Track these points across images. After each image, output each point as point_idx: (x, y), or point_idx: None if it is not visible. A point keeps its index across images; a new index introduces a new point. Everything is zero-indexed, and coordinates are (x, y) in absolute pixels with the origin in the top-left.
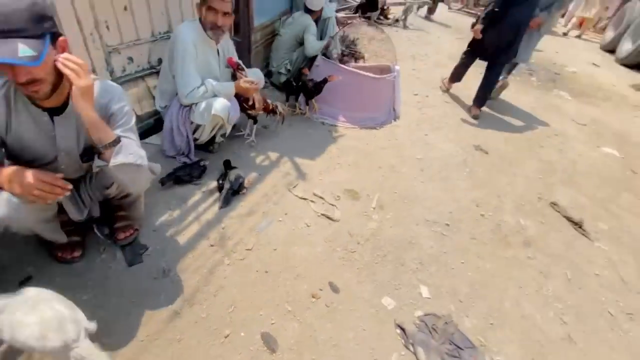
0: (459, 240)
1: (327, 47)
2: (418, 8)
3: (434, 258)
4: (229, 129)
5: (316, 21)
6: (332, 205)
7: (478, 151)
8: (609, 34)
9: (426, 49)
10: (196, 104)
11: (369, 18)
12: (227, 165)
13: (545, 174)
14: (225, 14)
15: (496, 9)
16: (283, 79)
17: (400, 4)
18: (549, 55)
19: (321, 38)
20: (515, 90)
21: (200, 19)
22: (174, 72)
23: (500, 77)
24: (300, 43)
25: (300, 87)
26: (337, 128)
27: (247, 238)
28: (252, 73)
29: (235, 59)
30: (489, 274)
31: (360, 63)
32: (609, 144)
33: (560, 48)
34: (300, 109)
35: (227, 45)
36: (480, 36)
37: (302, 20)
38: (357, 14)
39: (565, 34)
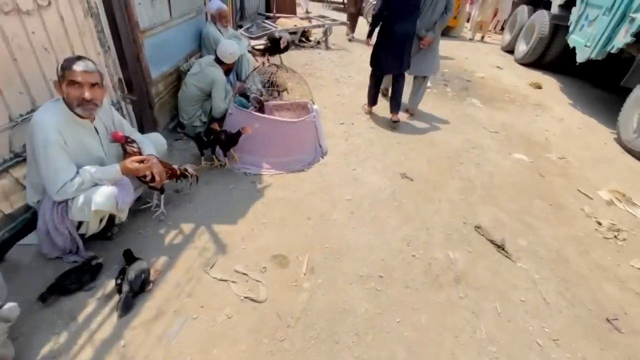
0: (393, 293)
1: (241, 93)
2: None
3: (370, 323)
4: (124, 216)
5: (228, 71)
6: (257, 281)
7: (404, 179)
8: (507, 37)
9: (349, 69)
10: (73, 198)
11: (277, 66)
12: (128, 257)
13: (467, 194)
14: (93, 85)
15: (381, 28)
16: (199, 130)
17: (320, 26)
18: (460, 63)
19: (237, 76)
20: (434, 104)
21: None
22: (38, 166)
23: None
24: (210, 95)
25: (212, 140)
26: (261, 178)
27: (154, 353)
28: (149, 142)
29: (125, 130)
30: (425, 328)
31: (282, 100)
32: (518, 149)
33: (468, 54)
34: (219, 160)
35: (109, 117)
36: (370, 45)
37: (211, 73)
38: (265, 57)
39: (471, 39)
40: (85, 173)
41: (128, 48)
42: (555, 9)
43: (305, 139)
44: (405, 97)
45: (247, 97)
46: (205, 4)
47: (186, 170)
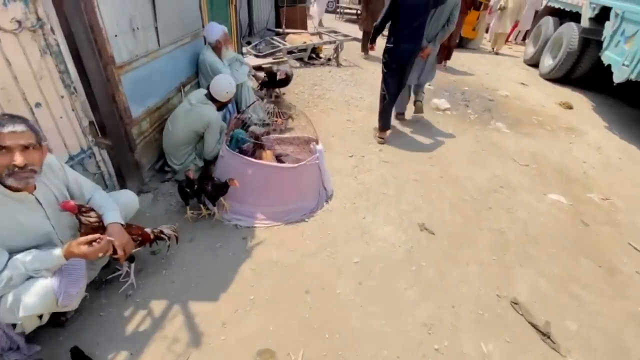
0: None
1: (242, 124)
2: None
3: None
4: (73, 307)
5: (222, 106)
6: None
7: (423, 232)
8: (530, 49)
9: (361, 89)
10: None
11: (277, 97)
12: (77, 358)
13: (499, 251)
14: (26, 147)
15: (390, 45)
16: (195, 175)
17: (331, 42)
18: (481, 79)
19: (236, 105)
20: (455, 129)
21: None
22: None
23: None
24: (202, 136)
25: (197, 191)
26: (254, 231)
27: None
28: (114, 205)
29: (84, 192)
30: None
31: (287, 125)
32: (553, 187)
33: (489, 68)
34: (207, 209)
35: (61, 180)
36: (373, 49)
37: (204, 113)
38: (263, 90)
39: (491, 52)
40: (16, 265)
41: (99, 87)
42: (585, 22)
43: (306, 185)
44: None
45: (246, 128)
46: (203, 27)
47: (162, 232)
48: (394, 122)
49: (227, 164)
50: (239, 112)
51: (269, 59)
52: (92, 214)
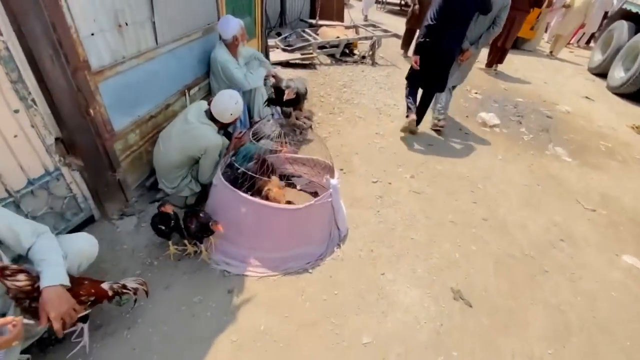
0: None
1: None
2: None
3: None
4: None
5: (225, 127)
6: None
7: (458, 303)
8: (597, 57)
9: (396, 94)
10: None
11: (288, 115)
12: None
13: (556, 342)
14: None
15: (427, 39)
16: (192, 200)
17: (367, 38)
18: (538, 89)
19: (249, 113)
20: (505, 153)
21: None
22: None
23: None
24: (198, 159)
25: (175, 228)
26: (244, 282)
27: None
28: (59, 258)
29: (22, 242)
30: None
31: (302, 146)
32: (629, 245)
33: (547, 75)
34: (196, 245)
35: None
36: (417, 67)
37: (201, 135)
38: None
39: (551, 54)
40: None
41: (65, 99)
42: None
43: (314, 227)
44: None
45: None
46: (219, 20)
47: (124, 288)
48: (431, 140)
49: (219, 196)
50: (250, 123)
51: (297, 54)
52: (21, 276)
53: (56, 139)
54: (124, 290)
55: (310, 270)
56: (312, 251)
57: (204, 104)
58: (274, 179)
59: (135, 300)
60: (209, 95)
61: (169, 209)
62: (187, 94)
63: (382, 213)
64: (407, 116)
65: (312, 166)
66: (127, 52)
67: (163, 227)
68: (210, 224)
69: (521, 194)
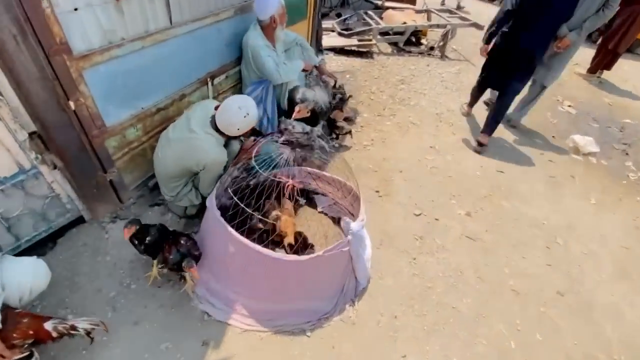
0: None
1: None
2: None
3: None
4: None
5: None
6: None
7: None
8: None
9: (464, 98)
10: None
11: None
12: None
13: None
14: None
15: (505, 30)
16: (192, 211)
17: (440, 27)
18: None
19: (278, 108)
20: (598, 195)
21: None
22: None
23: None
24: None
25: (150, 248)
26: (225, 334)
27: None
28: None
29: None
30: None
31: (336, 153)
32: None
33: None
34: (181, 272)
35: None
36: (485, 55)
37: (200, 148)
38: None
39: None
40: None
41: (37, 88)
42: None
43: (322, 280)
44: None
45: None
46: None
47: (73, 329)
48: (501, 165)
49: (209, 223)
50: (279, 119)
51: (354, 40)
52: None
53: (31, 134)
54: (72, 332)
55: (309, 333)
56: (315, 307)
57: (210, 107)
58: (288, 204)
59: (93, 339)
60: (238, 84)
61: (130, 231)
62: (209, 83)
63: (420, 262)
64: (468, 107)
65: (338, 187)
66: (127, 33)
67: (136, 242)
68: (184, 264)
69: (619, 261)
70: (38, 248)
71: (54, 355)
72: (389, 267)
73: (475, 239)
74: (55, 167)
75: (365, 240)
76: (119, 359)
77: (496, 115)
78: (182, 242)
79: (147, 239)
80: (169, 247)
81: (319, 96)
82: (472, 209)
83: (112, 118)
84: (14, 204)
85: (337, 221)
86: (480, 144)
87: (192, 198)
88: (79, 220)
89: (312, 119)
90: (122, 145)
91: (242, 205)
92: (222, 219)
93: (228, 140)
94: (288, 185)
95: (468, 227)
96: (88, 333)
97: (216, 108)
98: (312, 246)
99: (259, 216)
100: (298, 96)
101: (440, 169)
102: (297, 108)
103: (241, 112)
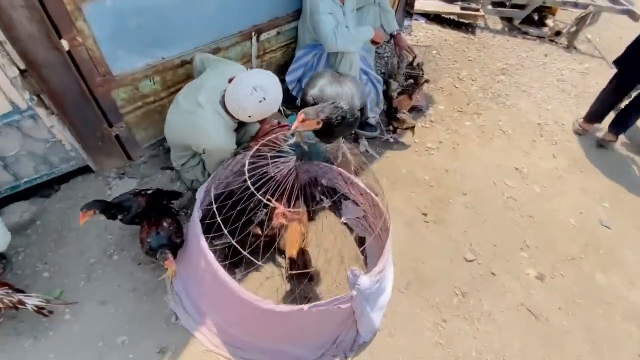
0: None
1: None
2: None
3: None
4: None
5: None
6: None
7: None
8: None
9: (584, 107)
10: None
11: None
12: None
13: None
14: None
15: None
16: (196, 185)
17: (577, 5)
18: None
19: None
20: None
21: None
22: None
23: None
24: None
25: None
26: (187, 347)
27: None
28: None
29: None
30: None
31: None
32: None
33: None
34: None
35: None
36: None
37: (203, 129)
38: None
39: None
40: None
41: (21, 19)
42: None
43: (310, 329)
44: None
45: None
46: None
47: (21, 303)
48: (607, 209)
49: (192, 220)
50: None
51: (456, 8)
52: None
53: (23, 72)
54: (19, 306)
55: None
56: (294, 353)
57: (229, 76)
58: (302, 213)
59: (46, 315)
60: (293, 44)
61: (86, 216)
62: (254, 38)
63: (450, 328)
64: (585, 122)
65: (371, 204)
66: None
67: (114, 212)
68: (158, 256)
69: None
70: (42, 190)
71: (14, 315)
72: (407, 322)
73: (539, 317)
74: (54, 113)
75: (384, 287)
76: (74, 338)
77: (634, 110)
78: (164, 224)
79: (120, 217)
80: (148, 228)
81: (346, 96)
82: (549, 271)
83: (121, 66)
84: (10, 144)
85: (362, 242)
86: (607, 140)
87: (197, 174)
88: (87, 170)
89: (325, 132)
90: (134, 99)
91: (241, 207)
92: (198, 225)
93: (242, 123)
94: (277, 214)
95: (534, 297)
96: (38, 310)
97: (230, 81)
98: (312, 278)
99: (263, 217)
100: (312, 92)
101: (521, 203)
102: (301, 115)
103: (256, 94)
